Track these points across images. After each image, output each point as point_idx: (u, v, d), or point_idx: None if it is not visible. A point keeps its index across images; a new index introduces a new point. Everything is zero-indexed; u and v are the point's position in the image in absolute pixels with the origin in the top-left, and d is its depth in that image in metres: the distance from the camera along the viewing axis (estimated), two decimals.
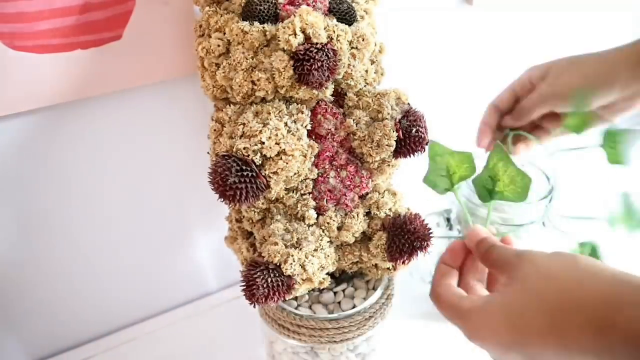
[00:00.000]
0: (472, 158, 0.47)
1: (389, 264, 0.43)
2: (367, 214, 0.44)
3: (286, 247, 0.39)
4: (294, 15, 0.38)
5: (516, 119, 0.57)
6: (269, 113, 0.39)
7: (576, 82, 0.52)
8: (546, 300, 0.34)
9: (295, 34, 0.37)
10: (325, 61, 0.37)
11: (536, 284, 0.36)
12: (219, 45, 0.41)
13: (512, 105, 0.58)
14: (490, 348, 0.37)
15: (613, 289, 0.31)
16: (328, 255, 0.42)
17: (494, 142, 0.56)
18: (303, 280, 0.39)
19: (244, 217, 0.45)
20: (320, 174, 0.42)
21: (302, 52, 0.37)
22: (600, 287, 0.32)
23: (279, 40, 0.38)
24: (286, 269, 0.38)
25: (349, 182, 0.42)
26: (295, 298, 0.46)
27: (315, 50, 0.37)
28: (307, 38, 0.38)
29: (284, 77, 0.38)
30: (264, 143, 0.37)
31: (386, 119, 0.41)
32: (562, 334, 0.32)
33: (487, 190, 0.48)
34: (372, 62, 0.45)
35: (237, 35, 0.40)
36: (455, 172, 0.48)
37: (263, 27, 0.39)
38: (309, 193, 0.42)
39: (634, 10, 0.81)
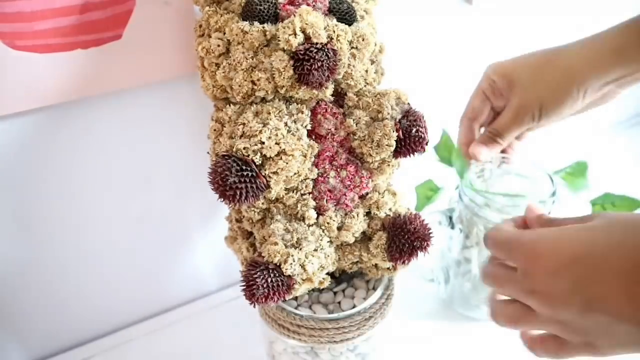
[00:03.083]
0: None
1: (389, 264, 0.43)
2: (367, 214, 0.44)
3: (286, 247, 0.39)
4: (294, 15, 0.38)
5: (492, 145, 0.52)
6: (269, 113, 0.39)
7: (547, 96, 0.47)
8: (626, 239, 0.32)
9: (295, 34, 0.37)
10: (325, 61, 0.37)
11: (616, 223, 0.34)
12: (219, 45, 0.41)
13: (486, 110, 0.53)
14: (549, 284, 0.34)
15: None
16: (328, 255, 0.42)
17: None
18: (303, 280, 0.39)
19: (244, 217, 0.45)
20: (320, 174, 0.42)
21: (302, 52, 0.37)
22: None
23: (279, 40, 0.38)
24: (286, 269, 0.38)
25: (349, 182, 0.42)
26: (295, 298, 0.46)
27: (315, 50, 0.37)
28: (307, 38, 0.38)
29: (284, 77, 0.38)
30: (264, 143, 0.37)
31: (386, 119, 0.41)
32: (635, 278, 0.30)
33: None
34: (372, 62, 0.45)
35: (237, 35, 0.40)
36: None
37: (263, 27, 0.39)
38: (309, 193, 0.42)
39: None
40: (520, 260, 0.36)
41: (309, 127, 0.41)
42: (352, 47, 0.41)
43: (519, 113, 0.49)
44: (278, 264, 0.38)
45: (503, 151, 0.55)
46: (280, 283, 0.38)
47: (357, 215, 0.42)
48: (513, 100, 0.50)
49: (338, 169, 0.42)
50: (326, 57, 0.37)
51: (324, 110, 0.42)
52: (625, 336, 0.32)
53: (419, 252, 0.41)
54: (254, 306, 0.39)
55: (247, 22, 0.40)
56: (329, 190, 0.42)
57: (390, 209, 0.43)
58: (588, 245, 0.33)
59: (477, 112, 0.54)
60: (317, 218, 0.42)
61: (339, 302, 0.46)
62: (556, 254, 0.34)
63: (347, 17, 0.42)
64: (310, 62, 0.37)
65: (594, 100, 0.49)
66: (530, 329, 0.39)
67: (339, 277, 0.48)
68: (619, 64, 0.45)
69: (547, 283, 0.34)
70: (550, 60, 0.49)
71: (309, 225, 0.42)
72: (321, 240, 0.41)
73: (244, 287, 0.38)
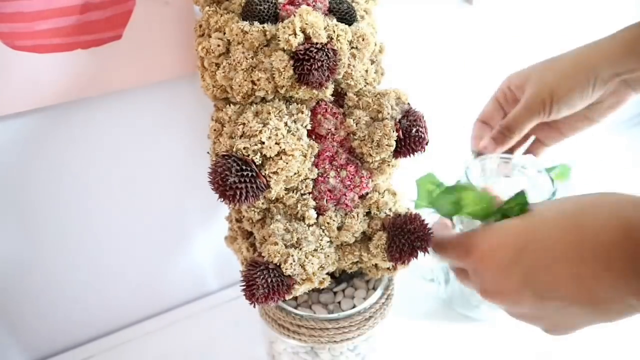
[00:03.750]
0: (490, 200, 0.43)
1: (389, 264, 0.43)
2: (367, 214, 0.44)
3: (286, 247, 0.39)
4: (294, 15, 0.38)
5: (501, 141, 0.53)
6: (269, 113, 0.39)
7: (556, 82, 0.49)
8: (561, 220, 0.32)
9: (295, 34, 0.37)
10: (325, 61, 0.37)
11: (551, 208, 0.34)
12: (219, 45, 0.41)
13: (498, 117, 0.55)
14: (499, 282, 0.35)
15: (635, 216, 0.29)
16: (328, 255, 0.42)
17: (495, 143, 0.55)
18: (303, 280, 0.39)
19: (244, 217, 0.45)
20: (320, 174, 0.42)
21: (302, 52, 0.37)
22: (621, 213, 0.30)
23: (279, 40, 0.38)
24: (286, 269, 0.38)
25: (349, 182, 0.42)
26: (295, 298, 0.46)
27: (315, 50, 0.37)
28: (307, 38, 0.38)
29: (284, 77, 0.38)
30: (264, 143, 0.37)
31: (386, 118, 0.41)
32: (578, 257, 0.30)
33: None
34: (372, 62, 0.45)
35: (237, 35, 0.40)
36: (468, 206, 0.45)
37: (263, 27, 0.39)
38: (309, 193, 0.42)
39: (635, 12, 0.81)
40: (467, 263, 0.37)
41: (309, 127, 0.41)
42: (352, 47, 0.41)
43: (529, 101, 0.50)
44: (278, 264, 0.38)
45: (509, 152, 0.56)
46: (280, 283, 0.38)
47: (357, 215, 0.42)
48: (525, 93, 0.51)
49: (338, 169, 0.42)
50: (326, 57, 0.37)
51: (324, 110, 0.42)
52: (581, 316, 0.33)
53: (419, 252, 0.41)
54: (254, 306, 0.39)
55: (247, 22, 0.40)
56: (329, 190, 0.42)
57: (390, 209, 0.43)
58: (528, 233, 0.34)
59: (489, 116, 0.56)
60: (317, 218, 0.42)
61: (339, 302, 0.46)
62: (500, 251, 0.35)
63: (347, 17, 0.42)
64: (310, 62, 0.37)
65: (605, 101, 0.50)
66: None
67: (339, 277, 0.48)
68: (629, 56, 0.46)
69: (497, 282, 0.35)
70: (563, 55, 0.51)
71: (309, 225, 0.42)
72: (321, 240, 0.41)
73: (244, 287, 0.38)
